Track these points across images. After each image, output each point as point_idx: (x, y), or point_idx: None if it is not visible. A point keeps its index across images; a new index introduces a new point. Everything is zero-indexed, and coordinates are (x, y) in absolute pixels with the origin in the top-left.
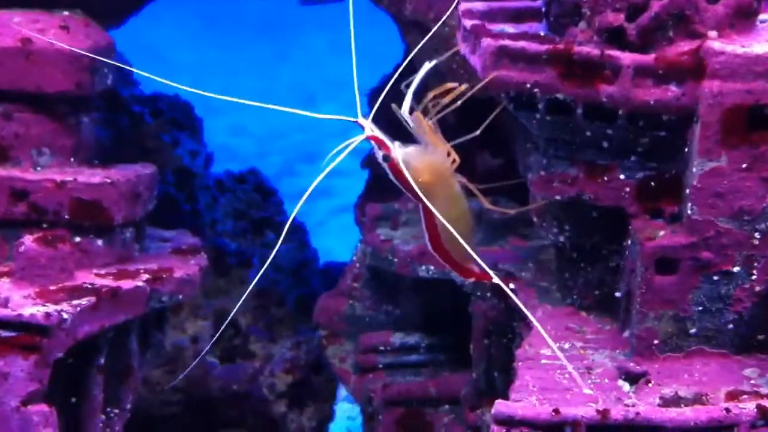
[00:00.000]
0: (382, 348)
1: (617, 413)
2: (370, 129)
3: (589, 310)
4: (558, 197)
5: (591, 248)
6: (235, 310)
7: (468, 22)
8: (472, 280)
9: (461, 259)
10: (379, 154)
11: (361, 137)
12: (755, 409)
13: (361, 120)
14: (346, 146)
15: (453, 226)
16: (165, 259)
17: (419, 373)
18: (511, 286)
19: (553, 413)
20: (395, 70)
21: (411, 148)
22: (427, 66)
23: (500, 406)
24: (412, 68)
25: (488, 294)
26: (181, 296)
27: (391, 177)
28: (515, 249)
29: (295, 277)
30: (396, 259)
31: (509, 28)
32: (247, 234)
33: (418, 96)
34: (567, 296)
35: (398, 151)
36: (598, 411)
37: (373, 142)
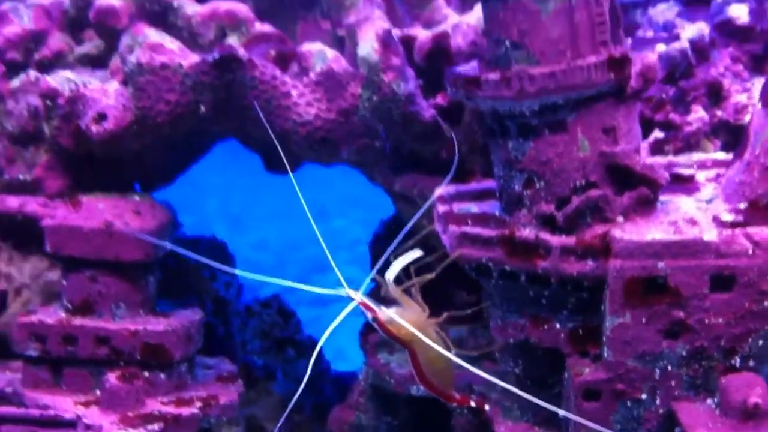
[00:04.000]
0: None
1: None
2: (360, 298)
3: (540, 426)
4: (512, 340)
5: (539, 378)
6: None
7: (440, 208)
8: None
9: (443, 387)
10: (369, 315)
11: (353, 305)
12: None
13: (350, 293)
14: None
15: (432, 363)
16: (211, 386)
17: None
18: (487, 407)
19: None
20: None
21: (392, 309)
22: (401, 260)
23: None
24: (402, 228)
25: (465, 411)
26: (224, 418)
27: (380, 332)
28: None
29: (311, 387)
30: (393, 380)
31: (473, 207)
32: (271, 351)
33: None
34: (524, 414)
35: (383, 313)
36: None
37: (362, 308)
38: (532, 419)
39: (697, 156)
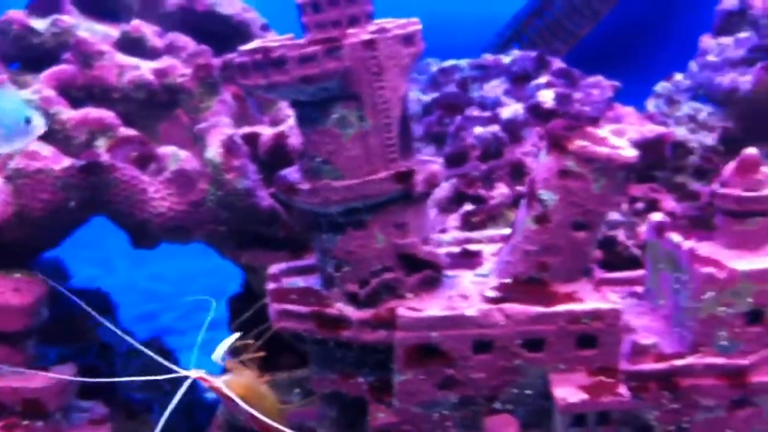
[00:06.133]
0: None
1: None
2: (198, 374)
3: None
4: (326, 390)
5: (351, 421)
6: None
7: (270, 285)
8: None
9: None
10: (207, 386)
11: (190, 380)
12: None
13: (191, 372)
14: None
15: (266, 409)
16: (84, 429)
17: None
18: None
19: None
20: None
21: (224, 377)
22: (234, 337)
23: None
24: (251, 292)
25: None
26: None
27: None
28: (320, 407)
29: (185, 414)
30: (242, 417)
31: (300, 281)
32: (148, 387)
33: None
34: None
35: (218, 382)
36: None
37: (201, 382)
38: None
39: (490, 232)
